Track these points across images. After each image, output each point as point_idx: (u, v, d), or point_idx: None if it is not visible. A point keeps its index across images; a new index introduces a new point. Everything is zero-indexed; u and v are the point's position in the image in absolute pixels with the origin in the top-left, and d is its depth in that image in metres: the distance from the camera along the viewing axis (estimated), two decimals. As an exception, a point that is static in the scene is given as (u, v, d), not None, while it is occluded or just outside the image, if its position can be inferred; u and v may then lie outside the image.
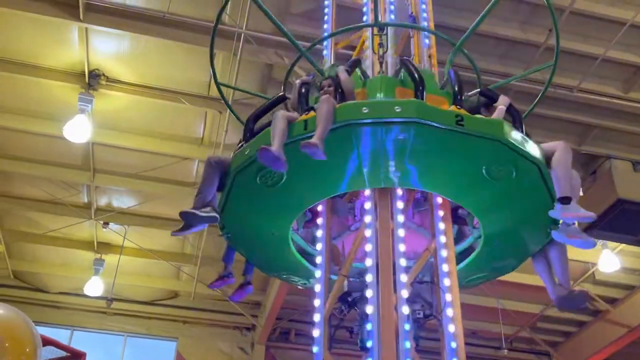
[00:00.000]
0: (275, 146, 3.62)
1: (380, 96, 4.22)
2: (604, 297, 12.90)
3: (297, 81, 4.64)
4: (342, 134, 3.64)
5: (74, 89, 8.70)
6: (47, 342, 6.49)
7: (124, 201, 11.25)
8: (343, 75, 4.35)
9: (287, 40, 7.89)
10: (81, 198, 11.03)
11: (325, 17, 5.44)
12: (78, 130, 8.60)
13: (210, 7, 7.63)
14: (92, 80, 8.64)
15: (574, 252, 10.77)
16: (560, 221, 3.91)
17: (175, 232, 4.35)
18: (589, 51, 8.01)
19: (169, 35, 7.94)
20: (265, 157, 3.68)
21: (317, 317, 3.83)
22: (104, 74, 8.74)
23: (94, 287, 11.85)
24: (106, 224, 11.24)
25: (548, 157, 3.98)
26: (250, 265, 5.07)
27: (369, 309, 3.69)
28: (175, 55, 8.54)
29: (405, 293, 3.70)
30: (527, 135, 4.03)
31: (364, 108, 3.64)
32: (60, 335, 10.01)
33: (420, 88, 3.95)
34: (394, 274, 3.76)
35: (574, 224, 3.78)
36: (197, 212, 4.09)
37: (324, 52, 5.45)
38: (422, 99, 3.90)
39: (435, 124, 3.58)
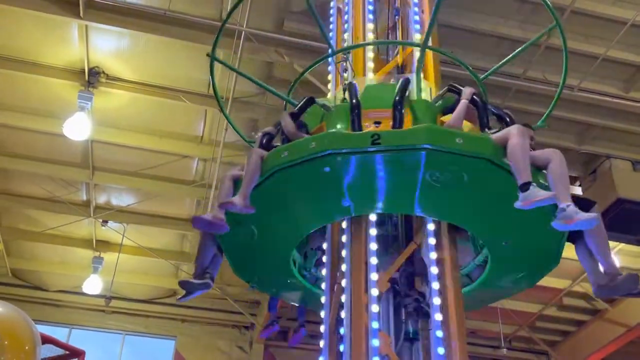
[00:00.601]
0: (212, 213, 3.96)
1: (341, 126, 4.11)
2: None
3: (259, 133, 4.66)
4: (278, 178, 3.83)
5: (74, 86, 8.65)
6: (46, 340, 6.41)
7: (123, 199, 11.17)
8: (284, 121, 4.36)
9: (287, 39, 7.74)
10: (80, 196, 10.96)
11: (331, 19, 5.47)
12: (77, 127, 8.57)
13: (210, 5, 7.60)
14: (91, 77, 8.57)
15: (573, 251, 11.03)
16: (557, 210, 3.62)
17: (180, 299, 4.68)
18: (589, 51, 7.92)
19: (170, 33, 7.87)
20: (200, 224, 4.01)
21: (322, 328, 3.89)
22: (103, 72, 8.66)
23: (93, 285, 11.78)
24: (105, 222, 11.15)
25: (539, 165, 3.80)
26: (274, 301, 5.48)
27: (342, 314, 3.76)
28: (176, 53, 8.48)
29: (375, 292, 3.75)
30: (489, 127, 4.00)
31: (284, 152, 3.77)
32: (58, 333, 9.96)
33: (356, 111, 3.89)
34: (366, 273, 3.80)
35: (568, 207, 3.50)
36: (193, 281, 4.39)
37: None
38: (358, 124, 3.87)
39: (349, 150, 3.61)
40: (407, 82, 3.96)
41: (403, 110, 3.86)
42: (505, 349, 13.41)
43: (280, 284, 4.89)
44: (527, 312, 13.00)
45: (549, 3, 4.48)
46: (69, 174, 10.41)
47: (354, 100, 3.88)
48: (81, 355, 7.10)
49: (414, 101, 4.16)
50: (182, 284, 4.40)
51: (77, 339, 11.95)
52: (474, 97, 4.12)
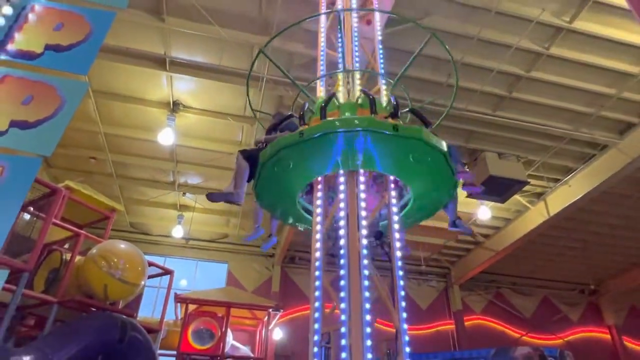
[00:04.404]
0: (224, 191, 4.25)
1: (347, 114, 4.45)
2: (481, 234, 13.95)
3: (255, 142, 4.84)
4: (325, 139, 3.95)
5: (164, 112, 9.57)
6: (150, 264, 7.00)
7: (194, 180, 12.04)
8: (265, 136, 4.49)
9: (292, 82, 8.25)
10: (169, 178, 12.03)
11: (321, 64, 5.47)
12: (166, 137, 9.42)
13: (245, 61, 8.39)
14: (174, 107, 9.39)
15: (465, 207, 12.05)
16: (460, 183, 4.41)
17: (210, 197, 4.45)
18: (470, 86, 8.89)
19: (221, 79, 8.65)
20: (215, 197, 4.18)
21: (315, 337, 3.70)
22: (181, 103, 9.44)
23: (178, 231, 12.98)
24: (184, 193, 12.25)
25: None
26: (274, 222, 5.11)
27: (341, 241, 3.83)
28: (224, 91, 9.11)
29: (365, 231, 3.83)
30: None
31: (337, 122, 4.04)
32: (157, 260, 10.05)
33: (374, 108, 4.18)
34: (358, 220, 3.89)
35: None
36: (223, 191, 4.38)
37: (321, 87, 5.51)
38: (374, 114, 4.12)
39: (381, 131, 3.90)
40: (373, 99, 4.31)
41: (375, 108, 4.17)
42: (424, 266, 14.87)
43: (283, 210, 4.84)
44: (437, 244, 14.16)
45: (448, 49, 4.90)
46: (162, 165, 11.36)
47: (371, 100, 4.20)
48: (171, 273, 8.00)
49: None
50: (213, 196, 4.32)
51: (168, 263, 12.26)
52: (422, 116, 4.58)
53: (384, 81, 5.04)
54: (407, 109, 4.90)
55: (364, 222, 3.78)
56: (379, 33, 5.49)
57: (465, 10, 7.62)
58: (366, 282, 3.47)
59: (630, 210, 12.37)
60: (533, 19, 7.58)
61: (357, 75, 4.93)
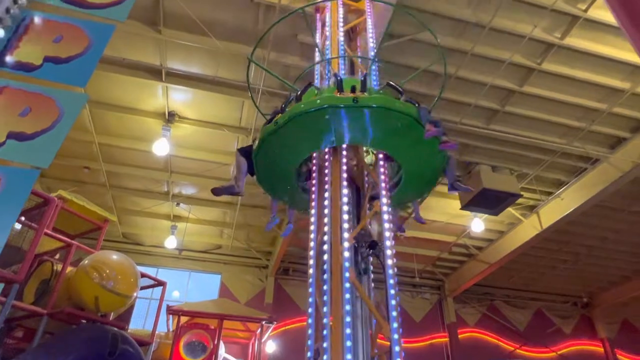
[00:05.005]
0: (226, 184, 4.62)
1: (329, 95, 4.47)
2: (475, 246, 14.08)
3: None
4: (297, 122, 4.14)
5: (159, 123, 9.59)
6: (143, 275, 7.08)
7: (188, 190, 12.09)
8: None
9: (286, 93, 7.98)
10: (163, 188, 12.05)
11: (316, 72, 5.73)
12: (161, 147, 9.40)
13: (241, 73, 8.14)
14: (170, 117, 9.44)
15: (456, 218, 12.28)
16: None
17: (214, 192, 4.72)
18: (464, 100, 9.10)
19: (216, 90, 8.77)
20: (219, 191, 4.48)
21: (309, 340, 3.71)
22: (177, 114, 9.48)
23: (171, 242, 12.93)
24: (178, 204, 12.25)
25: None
26: (291, 212, 5.33)
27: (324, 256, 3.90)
28: (219, 102, 9.18)
29: (347, 244, 3.83)
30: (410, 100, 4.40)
31: (302, 105, 4.25)
32: (150, 271, 10.20)
33: (340, 87, 4.28)
34: (341, 232, 3.93)
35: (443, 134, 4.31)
36: (224, 185, 4.68)
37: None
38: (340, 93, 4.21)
39: (341, 105, 4.08)
40: (365, 76, 4.54)
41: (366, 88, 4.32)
42: (417, 278, 14.84)
43: (283, 191, 5.02)
44: (431, 255, 14.24)
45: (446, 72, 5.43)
46: (156, 175, 11.34)
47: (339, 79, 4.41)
48: (164, 284, 8.02)
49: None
50: (217, 190, 4.60)
51: (160, 274, 12.59)
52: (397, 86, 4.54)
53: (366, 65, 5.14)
54: (384, 85, 4.84)
55: (345, 235, 3.76)
56: (370, 24, 5.56)
57: (460, 26, 7.75)
58: (347, 295, 3.41)
59: (621, 223, 12.50)
60: (525, 35, 7.74)
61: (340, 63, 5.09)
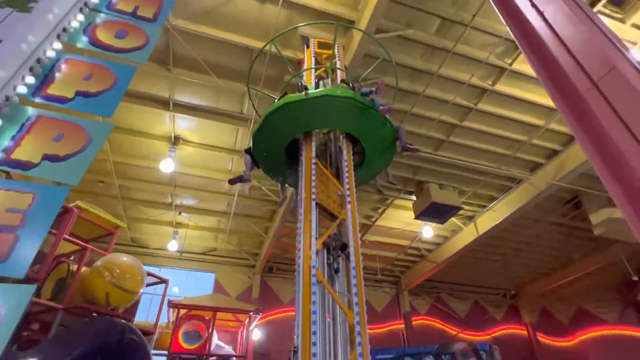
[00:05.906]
0: (239, 175, 5.21)
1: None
2: (425, 249, 14.10)
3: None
4: (271, 119, 4.63)
5: (166, 145, 9.43)
6: (148, 274, 6.93)
7: (189, 201, 11.88)
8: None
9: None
10: (167, 200, 11.80)
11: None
12: (167, 165, 9.27)
13: (238, 105, 8.35)
14: (175, 141, 9.29)
15: (411, 226, 12.23)
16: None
17: (231, 182, 5.35)
18: (418, 131, 9.25)
19: (216, 119, 8.68)
20: (234, 180, 5.03)
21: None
22: (181, 138, 9.39)
23: (173, 245, 12.74)
24: (180, 213, 12.07)
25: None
26: (283, 188, 5.68)
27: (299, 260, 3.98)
28: (218, 129, 9.08)
29: (315, 248, 3.86)
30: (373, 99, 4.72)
31: (270, 107, 4.76)
32: (154, 270, 9.73)
33: (304, 90, 4.62)
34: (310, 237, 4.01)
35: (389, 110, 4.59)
36: (237, 176, 5.24)
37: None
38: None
39: (295, 100, 4.47)
40: (317, 82, 5.08)
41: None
42: (379, 275, 14.90)
43: (276, 169, 5.42)
44: (390, 256, 14.22)
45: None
46: (162, 189, 11.10)
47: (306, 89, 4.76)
48: (166, 282, 7.84)
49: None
50: (232, 180, 5.21)
51: (163, 273, 11.84)
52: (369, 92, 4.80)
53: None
54: (339, 83, 5.07)
55: (313, 240, 3.76)
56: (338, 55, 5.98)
57: (414, 73, 7.84)
58: (315, 290, 3.40)
59: (540, 231, 12.90)
60: (465, 81, 8.03)
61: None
